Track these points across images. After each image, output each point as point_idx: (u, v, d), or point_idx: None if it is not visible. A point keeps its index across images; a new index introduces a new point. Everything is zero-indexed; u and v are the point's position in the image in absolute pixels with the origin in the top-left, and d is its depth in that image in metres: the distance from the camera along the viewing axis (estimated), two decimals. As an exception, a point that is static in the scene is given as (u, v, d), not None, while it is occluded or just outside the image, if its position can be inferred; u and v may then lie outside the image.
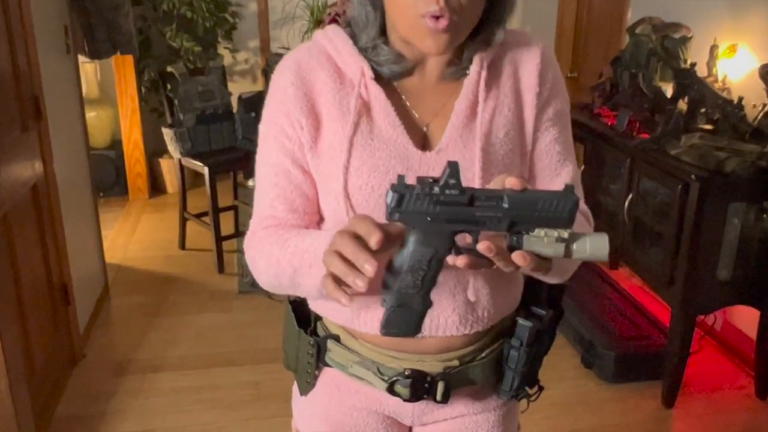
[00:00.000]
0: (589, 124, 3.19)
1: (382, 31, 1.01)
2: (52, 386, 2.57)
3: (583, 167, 3.20)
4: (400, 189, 0.77)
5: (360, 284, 0.80)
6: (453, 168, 0.78)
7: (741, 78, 2.79)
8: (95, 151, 4.71)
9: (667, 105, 2.82)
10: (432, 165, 0.99)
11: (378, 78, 1.01)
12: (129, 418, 2.55)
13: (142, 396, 2.69)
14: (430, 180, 0.78)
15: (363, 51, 1.01)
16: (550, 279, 1.03)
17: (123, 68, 4.60)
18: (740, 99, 2.58)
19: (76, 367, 2.87)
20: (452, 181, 0.77)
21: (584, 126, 3.19)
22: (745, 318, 2.82)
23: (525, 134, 1.04)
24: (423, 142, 1.02)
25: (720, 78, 2.87)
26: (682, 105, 2.81)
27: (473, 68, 1.01)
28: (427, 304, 0.84)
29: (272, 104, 1.04)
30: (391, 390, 1.05)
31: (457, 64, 1.02)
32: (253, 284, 1.15)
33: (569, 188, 0.78)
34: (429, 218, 0.77)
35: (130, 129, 4.75)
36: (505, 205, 0.77)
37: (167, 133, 3.73)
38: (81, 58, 3.42)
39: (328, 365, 1.11)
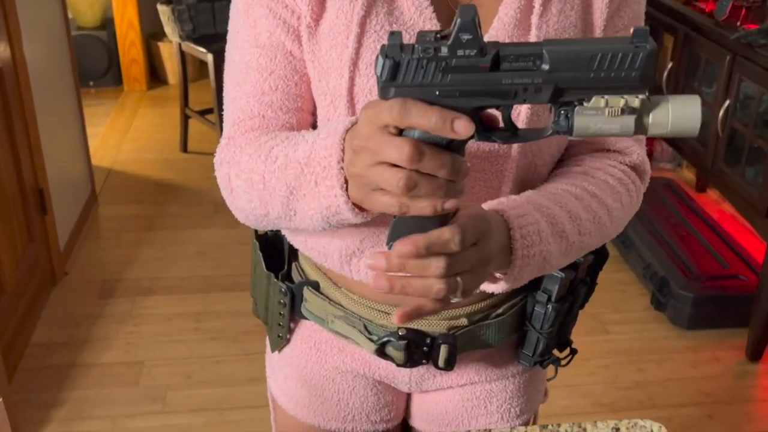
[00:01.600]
0: (680, 10, 3.05)
1: None
2: (26, 308, 2.59)
3: (670, 65, 3.07)
4: (394, 53, 0.63)
5: (451, 205, 0.67)
6: (466, 15, 0.62)
7: None
8: (82, 31, 4.70)
9: (784, -13, 2.62)
10: None
11: None
12: (114, 347, 2.58)
13: (131, 322, 2.72)
14: (436, 35, 0.63)
15: None
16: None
17: (114, -70, 4.48)
18: None
19: (56, 286, 2.90)
20: (466, 37, 0.62)
21: (674, 12, 3.05)
22: None
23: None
24: None
25: None
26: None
27: None
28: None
29: None
30: (381, 353, 0.98)
31: None
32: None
33: (641, 32, 0.63)
34: (438, 92, 0.64)
35: (123, 5, 4.68)
36: (546, 66, 0.62)
37: (164, 12, 3.64)
38: None
39: (304, 317, 1.05)
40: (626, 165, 0.97)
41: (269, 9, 0.88)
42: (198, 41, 3.65)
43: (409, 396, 1.13)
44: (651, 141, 3.86)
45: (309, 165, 0.80)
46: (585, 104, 0.63)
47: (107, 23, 4.84)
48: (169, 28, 3.68)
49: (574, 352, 1.09)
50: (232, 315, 2.75)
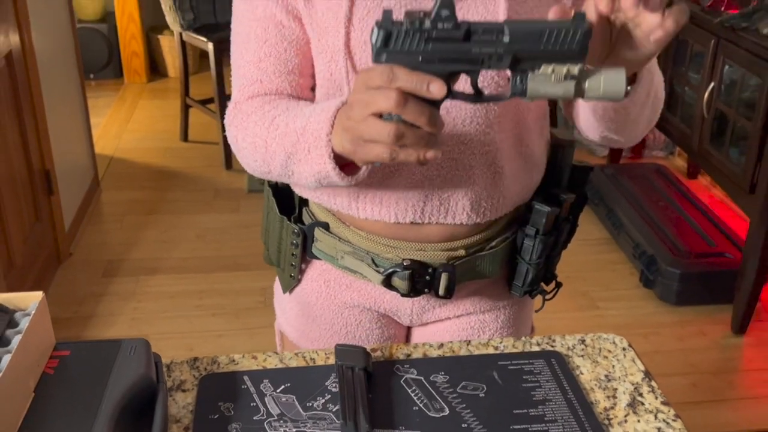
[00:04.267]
0: (668, -2, 3.11)
1: None
2: (33, 285, 2.69)
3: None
4: (387, 25, 0.78)
5: (432, 155, 0.81)
6: None
7: None
8: (83, 24, 4.74)
9: (766, -28, 2.72)
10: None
11: None
12: (118, 322, 2.69)
13: (135, 299, 2.83)
14: (421, 14, 0.78)
15: None
16: (616, 129, 1.01)
17: (115, -76, 4.58)
18: None
19: (62, 265, 3.01)
20: (445, 12, 0.77)
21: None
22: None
23: None
24: None
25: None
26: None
27: None
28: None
29: None
30: (387, 283, 1.07)
31: None
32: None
33: (579, 16, 0.78)
34: (420, 58, 0.79)
35: (124, -1, 4.77)
36: (506, 39, 0.77)
37: (165, 2, 3.73)
38: None
39: (315, 257, 1.15)
40: None
41: None
42: (199, 31, 3.74)
43: (409, 331, 1.23)
44: (643, 129, 3.98)
45: (304, 135, 0.94)
46: (537, 71, 0.78)
47: (108, 16, 4.93)
48: (171, 17, 3.78)
49: (559, 285, 1.20)
50: (234, 293, 2.86)
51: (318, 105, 0.95)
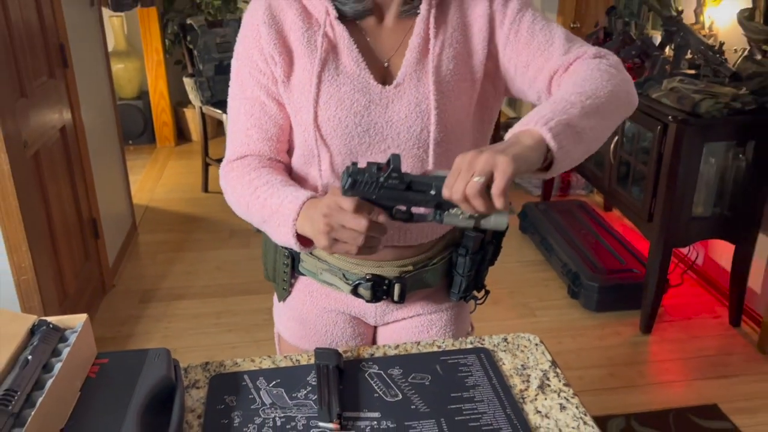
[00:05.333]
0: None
1: None
2: (83, 311, 2.67)
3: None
4: (354, 175, 0.88)
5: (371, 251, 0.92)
6: (395, 160, 0.88)
7: (727, 25, 2.77)
8: (124, 102, 4.81)
9: (654, 51, 2.82)
10: (391, 98, 1.02)
11: (342, 18, 1.03)
12: (153, 339, 2.69)
13: (166, 320, 2.83)
14: (376, 168, 0.88)
15: None
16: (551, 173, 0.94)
17: (148, 21, 4.64)
18: (721, 44, 2.57)
19: (106, 295, 3.02)
20: (395, 174, 0.88)
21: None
22: (724, 253, 2.87)
23: (473, 64, 1.05)
24: (384, 77, 1.05)
25: (707, 25, 2.86)
26: (668, 51, 2.81)
27: (423, 7, 1.03)
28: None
29: (246, 42, 1.06)
30: (355, 292, 1.13)
31: (411, 3, 1.04)
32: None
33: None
34: (374, 197, 0.89)
35: (156, 80, 4.82)
36: (432, 192, 0.88)
37: (188, 83, 3.80)
38: (107, 12, 3.48)
39: (301, 274, 1.20)
40: (589, 58, 1.00)
41: (249, 73, 1.07)
42: (215, 105, 3.80)
43: (375, 329, 1.27)
44: (567, 173, 4.02)
45: (277, 213, 1.01)
46: (450, 211, 0.89)
47: (143, 95, 4.98)
48: (193, 95, 3.84)
49: (487, 292, 1.24)
50: (245, 313, 2.87)
51: (291, 190, 1.01)
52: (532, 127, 0.85)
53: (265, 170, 1.07)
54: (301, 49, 1.04)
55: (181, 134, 5.20)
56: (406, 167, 1.06)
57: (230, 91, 1.11)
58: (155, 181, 4.43)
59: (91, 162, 2.90)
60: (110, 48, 4.59)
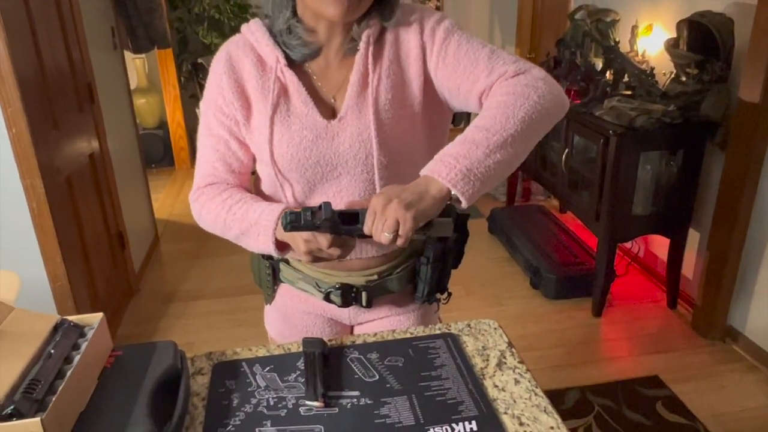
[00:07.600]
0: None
1: (295, 12, 1.00)
2: (113, 313, 2.69)
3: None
4: (293, 220, 0.88)
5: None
6: (327, 207, 0.87)
7: (656, 52, 2.79)
8: (146, 131, 4.79)
9: (596, 76, 2.84)
10: (336, 131, 0.99)
11: (291, 63, 1.00)
12: (174, 334, 2.67)
13: (185, 318, 2.81)
14: (312, 210, 0.88)
15: (279, 36, 1.00)
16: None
17: (165, 62, 4.63)
18: (652, 69, 2.59)
19: (133, 298, 2.99)
20: (327, 216, 0.87)
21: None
22: (661, 246, 2.88)
23: (411, 92, 1.00)
24: (332, 112, 1.01)
25: (640, 53, 2.88)
26: (609, 76, 2.82)
27: (361, 44, 0.99)
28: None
29: (211, 88, 1.03)
30: (327, 299, 1.11)
31: (352, 42, 1.00)
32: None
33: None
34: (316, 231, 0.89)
35: (173, 112, 4.79)
36: (359, 225, 0.87)
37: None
38: (129, 54, 3.47)
39: (282, 282, 1.17)
40: (509, 78, 0.94)
41: (214, 115, 1.04)
42: (224, 132, 3.77)
43: (351, 328, 1.24)
44: (528, 180, 4.02)
45: (257, 224, 0.99)
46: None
47: (163, 124, 4.95)
48: (204, 124, 3.82)
49: (449, 294, 1.19)
50: (254, 309, 2.83)
51: (266, 204, 1.00)
52: (437, 178, 0.85)
53: (234, 190, 1.05)
54: (256, 95, 1.01)
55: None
56: (356, 190, 1.03)
57: (199, 128, 1.08)
58: (175, 198, 4.40)
59: (117, 183, 2.88)
60: (134, 85, 4.59)
